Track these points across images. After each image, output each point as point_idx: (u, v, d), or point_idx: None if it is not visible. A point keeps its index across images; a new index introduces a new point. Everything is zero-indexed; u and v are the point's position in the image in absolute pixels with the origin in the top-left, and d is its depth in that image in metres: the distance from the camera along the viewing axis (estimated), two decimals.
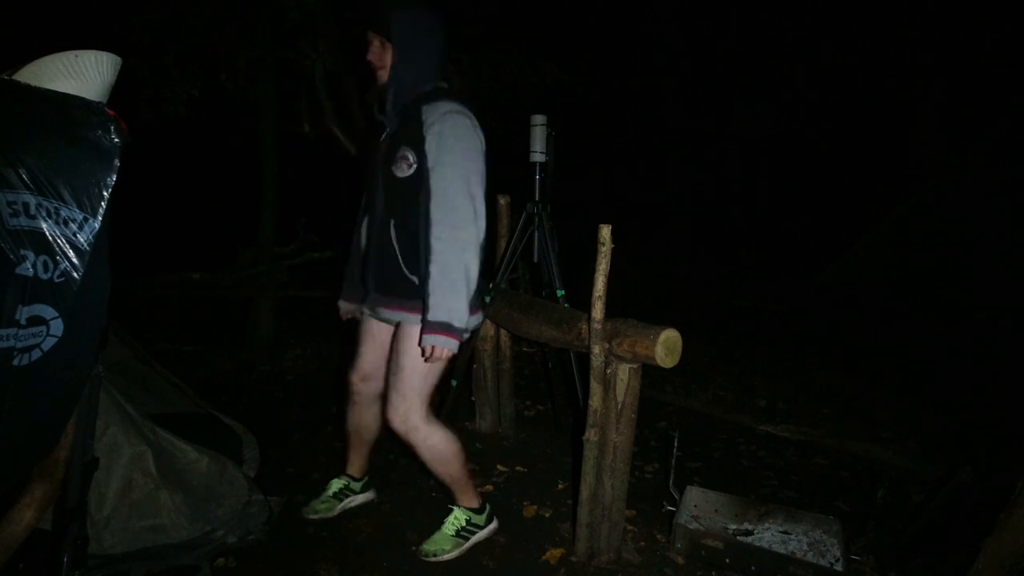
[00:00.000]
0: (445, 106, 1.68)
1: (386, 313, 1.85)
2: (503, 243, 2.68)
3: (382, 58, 1.73)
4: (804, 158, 10.55)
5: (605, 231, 1.71)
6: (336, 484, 2.22)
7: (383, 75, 1.75)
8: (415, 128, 1.69)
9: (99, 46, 1.28)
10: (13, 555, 1.42)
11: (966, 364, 4.35)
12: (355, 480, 2.23)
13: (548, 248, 2.55)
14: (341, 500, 2.20)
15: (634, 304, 2.69)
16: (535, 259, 2.61)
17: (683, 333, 1.69)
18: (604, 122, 10.32)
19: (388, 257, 1.78)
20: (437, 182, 1.66)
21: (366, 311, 1.95)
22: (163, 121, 3.89)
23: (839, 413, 3.49)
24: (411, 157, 1.69)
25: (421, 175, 1.69)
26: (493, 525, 2.06)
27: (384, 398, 1.95)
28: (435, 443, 1.86)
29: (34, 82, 1.23)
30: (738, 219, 11.09)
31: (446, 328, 1.65)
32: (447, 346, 1.66)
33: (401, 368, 1.79)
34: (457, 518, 2.00)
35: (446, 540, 1.97)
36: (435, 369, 1.79)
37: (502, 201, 2.69)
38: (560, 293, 2.48)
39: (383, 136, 1.82)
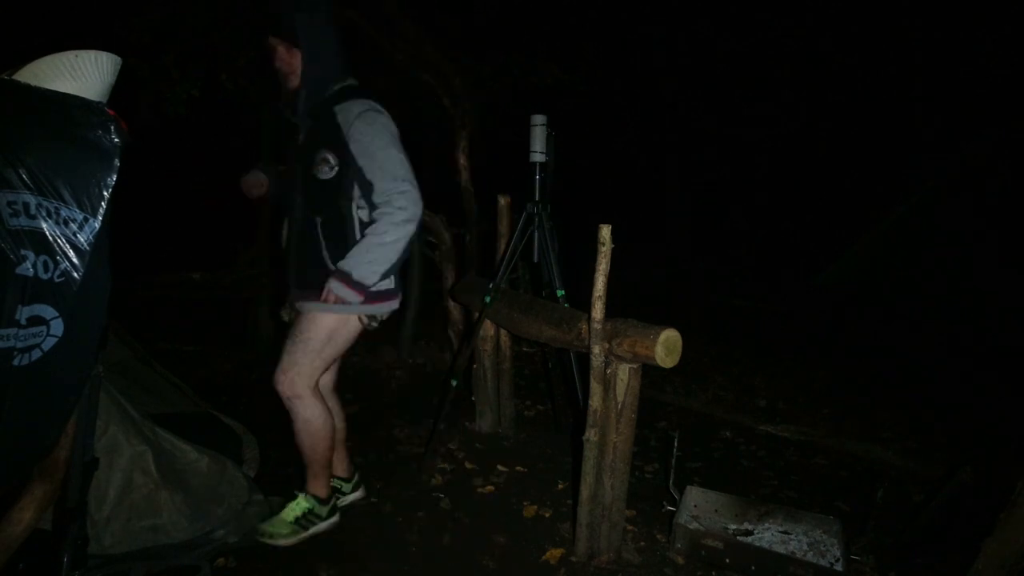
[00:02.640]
0: (357, 106, 1.72)
1: (306, 306, 1.87)
2: (503, 243, 2.68)
3: (290, 63, 1.77)
4: (804, 158, 10.54)
5: (605, 231, 1.71)
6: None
7: (293, 80, 1.79)
8: (332, 130, 1.73)
9: (99, 46, 1.28)
10: (13, 555, 1.42)
11: (966, 364, 4.35)
12: (344, 480, 2.22)
13: (548, 248, 2.54)
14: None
15: (634, 304, 2.70)
16: (535, 259, 2.61)
17: (683, 333, 1.69)
18: (604, 122, 10.31)
19: (311, 252, 1.82)
20: (373, 173, 1.71)
21: (294, 309, 1.97)
22: (163, 121, 3.88)
23: (839, 413, 3.49)
24: (332, 160, 1.74)
25: (343, 176, 1.74)
26: (334, 519, 2.06)
27: (331, 391, 2.08)
28: (312, 417, 1.90)
29: (34, 82, 1.23)
30: (738, 219, 11.09)
31: (347, 277, 1.69)
32: (341, 293, 1.70)
33: (297, 338, 1.85)
34: (299, 504, 2.00)
35: (284, 525, 1.96)
36: (330, 344, 1.84)
37: (502, 201, 2.69)
38: (560, 293, 2.48)
39: (299, 138, 1.85)
